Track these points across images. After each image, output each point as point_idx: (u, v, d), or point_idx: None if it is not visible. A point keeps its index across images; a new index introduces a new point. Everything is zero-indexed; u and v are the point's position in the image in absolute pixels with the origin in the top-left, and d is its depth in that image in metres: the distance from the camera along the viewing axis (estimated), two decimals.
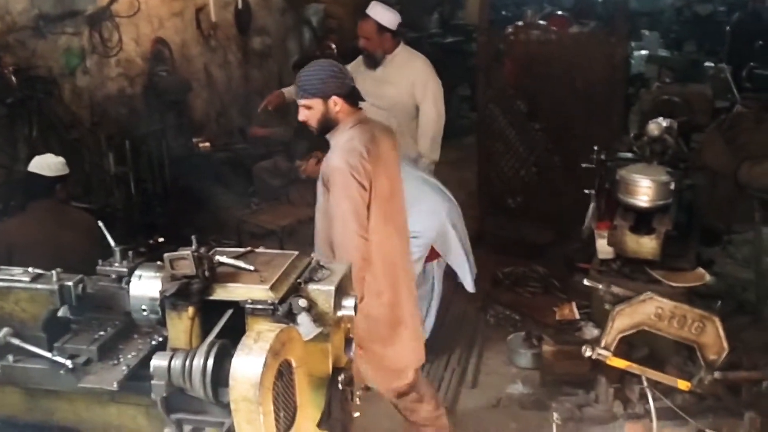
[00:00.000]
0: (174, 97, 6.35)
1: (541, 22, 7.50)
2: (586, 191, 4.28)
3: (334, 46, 8.20)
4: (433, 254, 4.27)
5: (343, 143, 3.41)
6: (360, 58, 5.22)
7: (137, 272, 2.29)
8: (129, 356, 2.30)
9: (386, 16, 5.02)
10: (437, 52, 9.38)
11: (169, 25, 6.57)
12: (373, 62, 5.08)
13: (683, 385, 3.13)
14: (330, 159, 3.41)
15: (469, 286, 4.42)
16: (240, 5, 7.46)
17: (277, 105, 5.34)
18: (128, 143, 5.55)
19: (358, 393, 2.47)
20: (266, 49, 8.32)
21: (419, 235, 4.19)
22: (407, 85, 5.04)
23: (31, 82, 4.77)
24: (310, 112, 3.34)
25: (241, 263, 2.20)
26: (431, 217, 4.20)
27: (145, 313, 2.24)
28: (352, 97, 3.40)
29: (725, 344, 3.07)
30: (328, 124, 3.37)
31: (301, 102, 3.34)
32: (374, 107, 5.07)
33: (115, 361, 2.27)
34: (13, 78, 4.60)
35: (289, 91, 5.41)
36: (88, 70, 5.58)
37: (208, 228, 6.19)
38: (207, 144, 6.48)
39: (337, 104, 3.33)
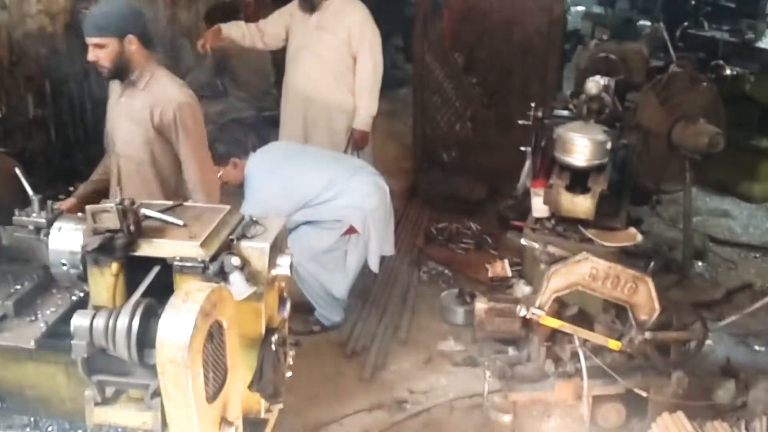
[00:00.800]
0: None
1: None
2: (522, 148, 4.27)
3: None
4: (351, 229, 4.22)
5: (168, 83, 3.32)
6: (295, 1, 5.05)
7: (57, 224, 2.17)
8: (47, 312, 2.21)
9: None
10: (373, 0, 9.22)
11: None
12: (309, 5, 4.92)
13: (614, 345, 3.17)
14: (168, 95, 3.26)
15: (374, 266, 4.37)
16: None
17: (215, 43, 5.14)
18: (48, 85, 5.26)
19: (291, 353, 2.41)
20: None
21: (338, 225, 4.19)
22: (344, 33, 4.90)
23: None
24: (102, 51, 3.17)
25: (168, 217, 2.11)
26: (355, 212, 4.14)
27: (65, 268, 2.14)
28: (148, 39, 3.28)
29: (656, 305, 3.11)
30: (122, 66, 3.21)
31: (93, 41, 3.15)
32: (311, 57, 4.96)
33: (33, 318, 2.18)
34: None
35: (227, 27, 5.24)
36: (6, 6, 5.23)
37: None
38: None
39: (132, 44, 3.19)
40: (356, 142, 5.08)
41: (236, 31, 5.25)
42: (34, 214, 2.28)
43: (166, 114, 3.23)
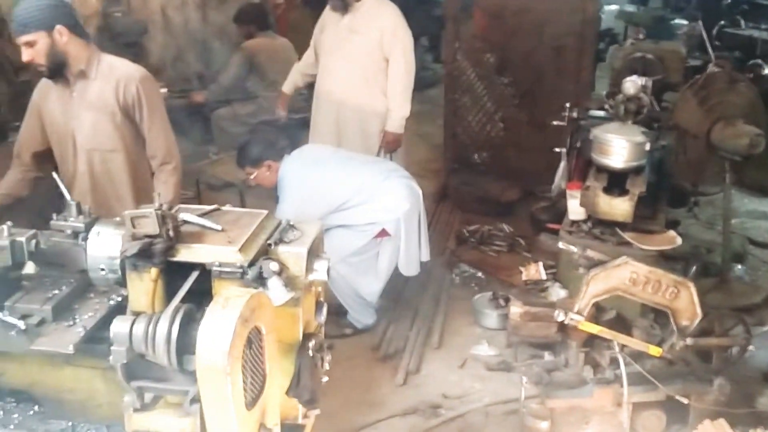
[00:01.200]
0: (129, 39, 6.10)
1: None
2: (557, 150, 4.22)
3: None
4: (383, 232, 4.21)
5: (120, 63, 3.34)
6: (329, 6, 5.04)
7: (95, 228, 2.17)
8: (85, 317, 2.20)
9: None
10: (402, 0, 9.19)
11: None
12: (341, 5, 4.90)
13: (655, 351, 3.11)
14: (126, 73, 3.28)
15: (405, 269, 4.34)
16: None
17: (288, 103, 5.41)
18: None
19: (327, 358, 2.40)
20: None
21: (370, 228, 4.18)
22: (376, 35, 4.88)
23: None
24: (34, 49, 3.15)
25: (207, 222, 2.09)
26: (388, 214, 4.14)
27: (103, 273, 2.13)
28: (78, 28, 3.25)
29: (698, 310, 3.05)
30: (58, 59, 3.19)
31: (22, 39, 3.14)
32: (342, 59, 4.95)
33: (71, 322, 2.17)
34: None
35: (288, 83, 5.44)
36: None
37: None
38: (164, 90, 6.23)
39: (63, 34, 3.17)
40: (389, 145, 5.05)
41: (298, 78, 5.46)
42: (72, 219, 2.28)
43: (129, 91, 3.26)
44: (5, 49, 4.73)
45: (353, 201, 4.10)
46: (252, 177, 4.27)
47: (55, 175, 2.64)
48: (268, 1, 8.59)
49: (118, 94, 3.25)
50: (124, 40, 5.98)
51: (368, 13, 4.90)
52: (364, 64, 4.93)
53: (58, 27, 3.14)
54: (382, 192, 4.14)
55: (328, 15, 5.07)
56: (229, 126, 6.52)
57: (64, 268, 2.33)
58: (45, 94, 3.39)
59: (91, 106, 3.27)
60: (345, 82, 4.99)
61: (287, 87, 5.43)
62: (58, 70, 3.22)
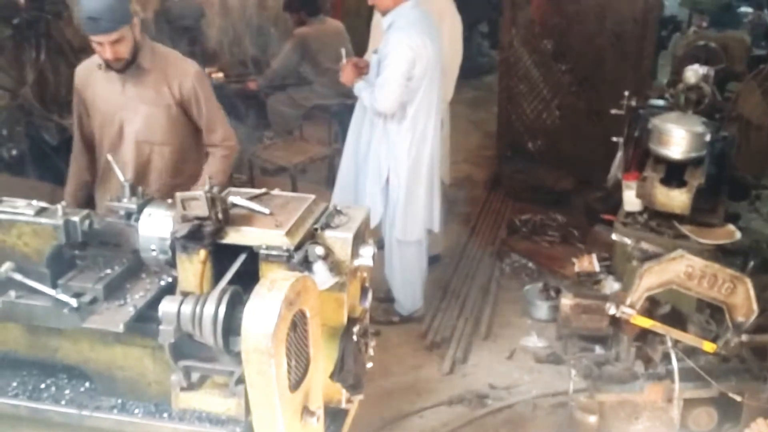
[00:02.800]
0: (186, 23, 6.19)
1: None
2: (614, 139, 4.15)
3: None
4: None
5: (171, 55, 3.32)
6: None
7: (147, 210, 2.21)
8: (136, 296, 2.24)
9: None
10: None
11: None
12: None
13: (709, 347, 3.05)
14: (180, 68, 3.27)
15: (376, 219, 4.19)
16: None
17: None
18: None
19: (372, 344, 2.41)
20: None
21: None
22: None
23: (39, 2, 4.59)
24: (121, 45, 3.06)
25: (255, 206, 2.12)
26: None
27: (154, 253, 2.17)
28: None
29: (755, 306, 2.98)
30: (135, 51, 3.14)
31: (113, 37, 3.01)
32: None
33: (122, 302, 2.21)
34: None
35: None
36: None
37: None
38: (220, 74, 6.32)
39: (136, 25, 3.13)
40: None
41: None
42: (125, 200, 2.33)
43: (185, 87, 3.25)
44: (65, 32, 4.82)
45: (416, 77, 4.00)
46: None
47: (109, 157, 2.70)
48: None
49: (173, 89, 3.23)
50: (181, 24, 6.06)
51: None
52: None
53: (134, 18, 3.12)
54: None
55: None
56: (284, 110, 6.57)
57: (117, 248, 2.38)
58: (87, 79, 3.34)
59: (146, 98, 3.24)
60: None
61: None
62: (130, 63, 3.16)
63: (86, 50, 5.04)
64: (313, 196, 2.28)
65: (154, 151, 3.33)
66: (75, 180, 3.52)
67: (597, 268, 3.99)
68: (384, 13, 4.05)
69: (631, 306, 3.03)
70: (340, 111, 6.13)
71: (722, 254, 3.72)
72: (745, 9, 7.68)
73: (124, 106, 3.26)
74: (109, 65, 3.15)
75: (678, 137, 3.58)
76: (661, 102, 4.26)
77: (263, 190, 2.28)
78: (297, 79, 6.67)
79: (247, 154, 5.91)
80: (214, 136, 3.37)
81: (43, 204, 2.29)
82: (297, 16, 6.50)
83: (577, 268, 4.06)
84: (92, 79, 3.30)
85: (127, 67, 3.16)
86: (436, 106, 4.19)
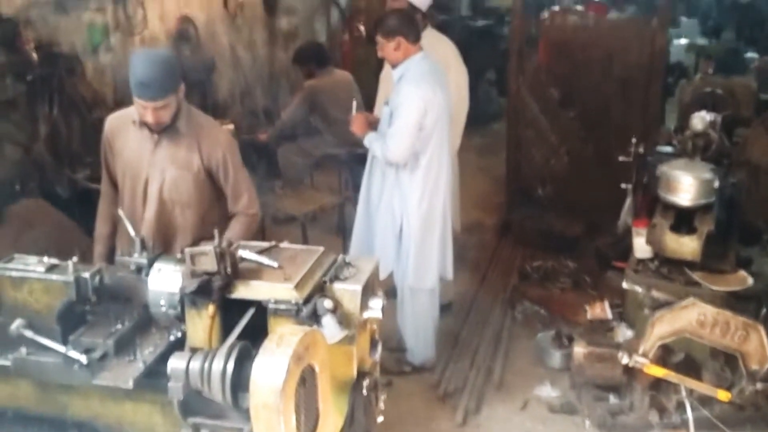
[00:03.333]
0: (198, 76, 6.26)
1: (578, 7, 7.35)
2: (623, 185, 4.16)
3: (362, 27, 8.09)
4: None
5: (206, 122, 3.34)
6: None
7: (157, 265, 2.23)
8: (146, 352, 2.25)
9: None
10: (467, 35, 9.26)
11: (195, 3, 6.48)
12: None
13: (723, 395, 3.01)
14: (213, 136, 3.28)
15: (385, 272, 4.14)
16: None
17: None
18: None
19: (382, 397, 2.39)
20: (293, 29, 8.22)
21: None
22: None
23: (53, 59, 4.68)
24: (164, 111, 3.09)
25: (264, 259, 2.13)
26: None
27: (163, 309, 2.19)
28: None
29: None
30: (175, 117, 3.15)
31: (159, 104, 3.04)
32: None
33: (132, 357, 2.21)
34: (34, 54, 4.50)
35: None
36: (112, 48, 5.50)
37: None
38: (231, 126, 6.39)
39: (181, 91, 3.15)
40: None
41: None
42: (136, 255, 2.35)
43: (215, 155, 3.25)
44: (78, 87, 4.91)
45: (428, 127, 4.02)
46: (378, 47, 4.15)
47: (120, 212, 2.72)
48: (334, 38, 8.80)
49: (203, 155, 3.24)
50: (193, 78, 6.13)
51: (425, 49, 4.93)
52: None
53: (181, 85, 3.15)
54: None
55: None
56: (294, 160, 6.61)
57: (128, 302, 2.40)
58: (118, 130, 3.35)
59: (176, 160, 3.24)
60: None
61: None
62: (169, 125, 3.18)
63: (99, 105, 5.16)
64: (321, 248, 2.30)
65: (177, 212, 3.33)
66: (104, 224, 3.48)
67: (609, 315, 3.98)
68: (394, 65, 4.11)
69: (644, 355, 3.01)
70: (350, 159, 6.18)
71: (735, 300, 3.70)
72: (751, 54, 7.73)
73: (153, 164, 3.26)
74: (145, 124, 3.18)
75: (686, 184, 3.59)
76: (668, 148, 4.28)
77: (272, 243, 2.30)
78: (307, 129, 6.74)
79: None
80: (238, 204, 3.38)
81: (54, 261, 2.31)
82: (306, 69, 6.59)
83: (589, 315, 4.05)
84: (124, 131, 3.31)
85: (164, 129, 3.19)
86: (447, 155, 4.22)
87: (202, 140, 3.24)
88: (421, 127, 3.96)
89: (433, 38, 4.94)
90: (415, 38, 4.06)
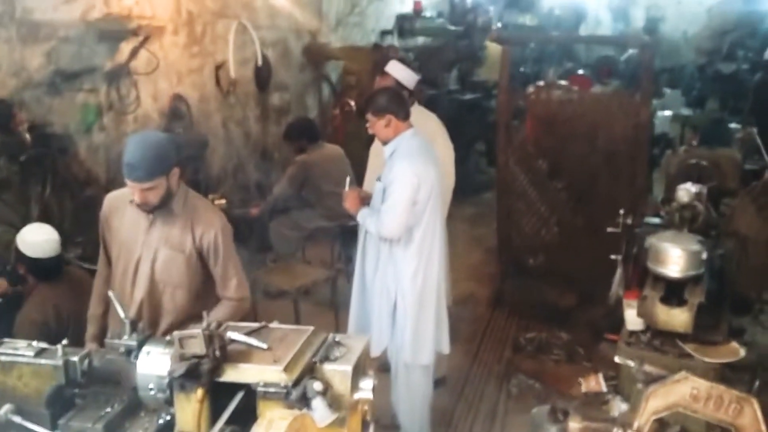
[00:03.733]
0: (191, 152, 6.33)
1: (562, 82, 7.51)
2: (613, 257, 4.17)
3: (352, 102, 8.23)
4: None
5: (202, 204, 3.39)
6: None
7: (146, 348, 2.22)
8: None
9: (405, 75, 5.02)
10: (456, 108, 9.43)
11: (187, 81, 6.61)
12: None
13: None
14: (207, 219, 3.31)
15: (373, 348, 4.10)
16: (260, 62, 7.51)
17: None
18: None
19: None
20: (285, 104, 8.37)
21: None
22: None
23: (46, 140, 4.75)
24: (152, 192, 3.13)
25: (253, 341, 2.12)
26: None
27: (152, 392, 2.17)
28: (181, 163, 3.30)
29: (763, 428, 2.91)
30: (166, 199, 3.19)
31: (144, 186, 3.09)
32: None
33: None
34: (28, 135, 4.57)
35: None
36: (105, 127, 5.58)
37: None
38: (223, 201, 6.44)
39: (174, 174, 3.19)
40: None
41: None
42: (126, 337, 2.34)
43: (208, 238, 3.28)
44: (71, 166, 4.95)
45: (421, 202, 4.06)
46: (369, 124, 4.21)
47: (111, 294, 2.72)
48: (326, 113, 8.94)
49: (195, 237, 3.27)
50: (185, 154, 6.20)
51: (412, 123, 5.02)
52: None
53: (174, 169, 3.19)
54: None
55: None
56: (286, 233, 6.64)
57: (118, 385, 2.38)
58: (115, 208, 3.39)
59: (169, 242, 3.27)
60: None
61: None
62: (159, 207, 3.21)
63: (92, 183, 5.20)
64: (311, 328, 2.29)
65: (167, 293, 3.34)
66: (98, 304, 3.50)
67: (604, 387, 3.93)
68: (385, 142, 4.17)
69: (639, 430, 2.97)
70: (342, 232, 6.21)
71: (729, 372, 3.68)
72: (735, 125, 7.85)
73: (146, 243, 3.30)
74: (149, 210, 3.23)
75: (675, 256, 3.60)
76: (656, 219, 4.32)
77: (262, 323, 2.29)
78: (299, 203, 6.79)
79: (248, 279, 5.93)
80: (227, 289, 3.40)
81: (43, 345, 2.31)
82: (297, 145, 6.69)
83: (584, 388, 3.99)
84: (121, 209, 3.35)
85: (156, 209, 3.22)
86: (440, 228, 4.26)
87: (197, 222, 3.28)
88: (414, 202, 4.01)
89: (419, 114, 5.04)
90: (404, 115, 4.14)
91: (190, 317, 3.28)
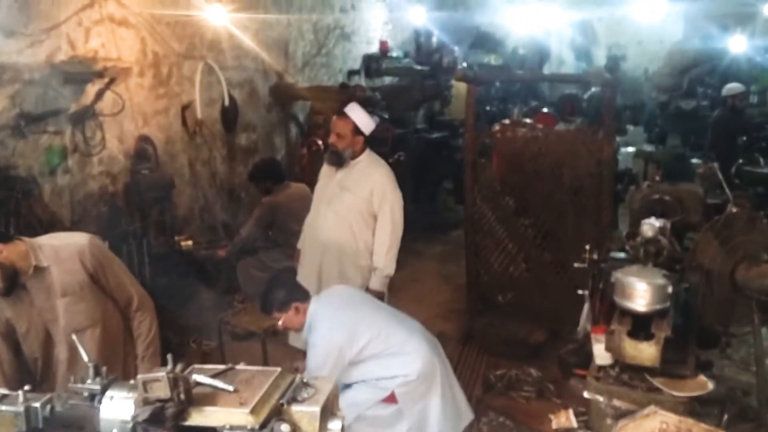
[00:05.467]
0: (156, 194, 6.29)
1: (527, 120, 7.62)
2: (580, 292, 4.20)
3: (320, 141, 8.26)
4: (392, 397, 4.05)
5: (61, 243, 3.35)
6: (325, 160, 5.24)
7: (109, 392, 2.16)
8: None
9: (364, 120, 5.04)
10: (424, 146, 9.51)
11: (153, 123, 6.59)
12: (338, 160, 5.07)
13: None
14: (73, 246, 3.31)
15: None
16: (226, 102, 7.52)
17: None
18: (108, 242, 5.45)
19: None
20: (252, 144, 8.37)
21: (385, 384, 4.04)
22: (366, 192, 5.00)
23: (10, 183, 4.70)
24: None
25: (219, 383, 2.08)
26: (405, 368, 4.03)
27: None
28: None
29: None
30: (7, 272, 3.16)
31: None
32: (331, 213, 5.10)
33: None
34: None
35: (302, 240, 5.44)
36: (70, 169, 5.52)
37: (189, 329, 6.05)
38: (189, 242, 6.39)
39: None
40: None
41: None
42: (89, 381, 2.29)
43: (87, 260, 3.30)
44: (35, 208, 4.91)
45: (374, 346, 4.00)
46: (280, 322, 4.18)
47: (74, 337, 2.67)
48: (294, 152, 8.95)
49: (83, 265, 3.29)
50: (151, 195, 6.17)
51: (361, 173, 5.06)
52: (352, 219, 5.04)
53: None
54: (403, 351, 4.05)
55: (325, 167, 5.27)
56: (254, 273, 6.60)
57: (81, 430, 2.32)
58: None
59: (57, 293, 3.27)
60: (331, 234, 5.09)
61: (301, 243, 5.51)
62: (12, 282, 3.19)
63: (55, 226, 5.13)
64: (279, 369, 2.26)
65: (86, 337, 3.30)
66: None
67: (574, 423, 3.94)
68: (298, 328, 4.15)
69: None
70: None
71: (697, 406, 3.70)
72: (696, 161, 8.02)
73: (43, 311, 3.29)
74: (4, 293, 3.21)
75: (641, 290, 3.64)
76: (622, 254, 4.36)
77: (228, 365, 2.25)
78: (266, 243, 6.76)
79: (216, 321, 5.88)
80: (123, 298, 3.43)
81: (3, 390, 2.25)
82: (263, 186, 6.68)
83: (554, 425, 4.01)
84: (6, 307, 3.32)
85: (12, 289, 3.20)
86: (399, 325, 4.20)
87: (67, 258, 3.28)
88: (345, 354, 3.96)
89: (369, 161, 5.07)
90: (305, 296, 4.17)
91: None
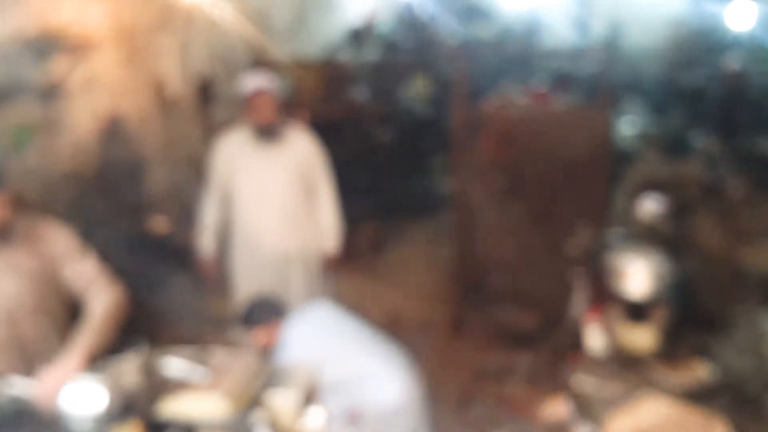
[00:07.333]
0: (129, 174, 6.27)
1: (520, 95, 7.59)
2: (573, 276, 4.22)
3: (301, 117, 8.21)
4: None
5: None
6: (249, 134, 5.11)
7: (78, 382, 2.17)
8: None
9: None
10: (412, 124, 9.47)
11: (126, 100, 6.53)
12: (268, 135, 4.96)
13: None
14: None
15: None
16: (203, 78, 7.46)
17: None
18: (77, 225, 5.44)
19: None
20: (230, 121, 8.30)
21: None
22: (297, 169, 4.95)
23: None
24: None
25: (195, 369, 2.09)
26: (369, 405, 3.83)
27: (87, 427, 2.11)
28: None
29: None
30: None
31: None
32: (260, 199, 4.96)
33: None
34: None
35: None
36: (38, 148, 5.48)
37: (164, 315, 6.03)
38: (163, 224, 6.37)
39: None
40: (329, 268, 5.13)
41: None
42: None
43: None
44: None
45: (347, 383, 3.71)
46: (252, 339, 3.93)
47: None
48: None
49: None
50: (123, 175, 6.14)
51: (288, 144, 4.98)
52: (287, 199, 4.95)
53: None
54: (377, 378, 3.92)
55: (236, 147, 5.17)
56: None
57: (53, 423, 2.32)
58: None
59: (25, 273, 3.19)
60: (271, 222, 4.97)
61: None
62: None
63: (23, 207, 5.09)
64: (255, 354, 2.27)
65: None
66: None
67: (566, 411, 3.96)
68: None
69: None
70: None
71: (695, 389, 3.72)
72: (696, 139, 8.02)
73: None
74: None
75: (636, 273, 3.65)
76: (617, 237, 4.37)
77: (201, 345, 2.27)
78: None
79: (192, 305, 5.87)
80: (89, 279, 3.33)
81: None
82: None
83: (546, 413, 4.02)
84: None
85: None
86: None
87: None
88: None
89: (300, 135, 5.02)
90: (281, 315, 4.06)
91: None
